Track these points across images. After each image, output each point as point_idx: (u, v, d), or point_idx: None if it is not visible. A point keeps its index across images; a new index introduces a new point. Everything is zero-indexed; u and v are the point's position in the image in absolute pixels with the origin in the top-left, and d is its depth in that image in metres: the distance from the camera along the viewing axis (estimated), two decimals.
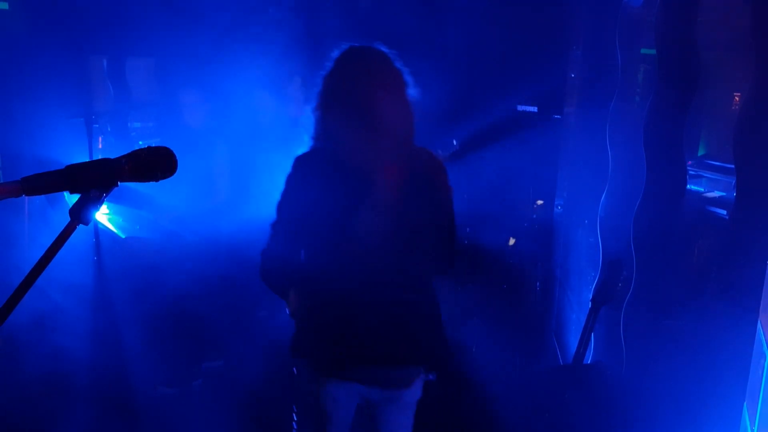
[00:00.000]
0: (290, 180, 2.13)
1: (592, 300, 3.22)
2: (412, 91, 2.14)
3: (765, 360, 1.91)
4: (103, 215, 4.13)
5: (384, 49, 2.14)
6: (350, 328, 2.12)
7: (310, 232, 2.12)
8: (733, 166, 2.57)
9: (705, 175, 3.21)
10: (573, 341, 3.72)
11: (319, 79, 2.14)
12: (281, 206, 2.15)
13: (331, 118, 2.08)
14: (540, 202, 4.41)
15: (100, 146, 4.20)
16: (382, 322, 2.12)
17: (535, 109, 4.42)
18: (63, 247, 1.06)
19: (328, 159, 2.09)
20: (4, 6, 4.03)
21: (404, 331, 2.14)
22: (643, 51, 3.56)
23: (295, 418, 2.57)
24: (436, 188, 2.15)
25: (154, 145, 1.14)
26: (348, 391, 2.21)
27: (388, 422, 2.28)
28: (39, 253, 1.03)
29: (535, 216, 4.44)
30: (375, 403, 2.26)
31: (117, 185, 1.10)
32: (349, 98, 2.06)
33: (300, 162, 2.13)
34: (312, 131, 2.14)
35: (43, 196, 1.18)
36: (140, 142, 4.45)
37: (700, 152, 3.31)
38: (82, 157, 1.18)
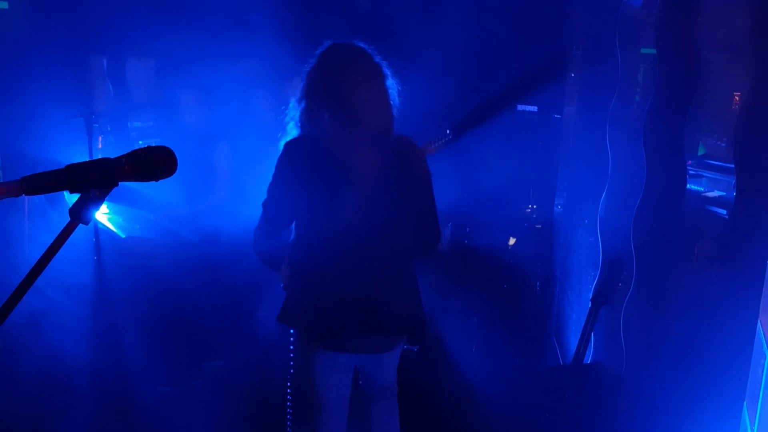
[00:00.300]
0: (280, 163, 2.31)
1: (592, 300, 3.22)
2: (391, 83, 2.33)
3: (765, 360, 1.91)
4: (103, 215, 4.13)
5: (363, 45, 2.33)
6: (338, 302, 2.30)
7: (297, 211, 2.33)
8: (733, 166, 2.57)
9: (705, 175, 3.21)
10: (573, 341, 3.72)
11: (303, 74, 2.34)
12: (272, 187, 2.34)
13: (314, 109, 2.28)
14: (533, 206, 4.43)
15: (100, 146, 4.20)
16: (367, 296, 2.30)
17: (535, 109, 4.42)
18: (63, 247, 1.06)
19: (314, 145, 2.28)
20: (4, 6, 4.03)
21: (387, 304, 2.34)
22: (643, 51, 3.56)
23: (290, 398, 2.68)
24: (415, 171, 2.35)
25: (154, 144, 1.14)
26: (338, 361, 2.40)
27: (376, 380, 2.55)
28: (39, 252, 1.03)
29: (535, 216, 4.45)
30: (362, 366, 2.52)
31: (117, 185, 1.10)
32: (330, 90, 2.26)
33: (289, 147, 2.31)
34: (297, 120, 2.34)
35: (43, 195, 1.18)
36: (140, 142, 4.44)
37: (700, 152, 3.31)
38: (82, 157, 1.18)
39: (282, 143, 2.35)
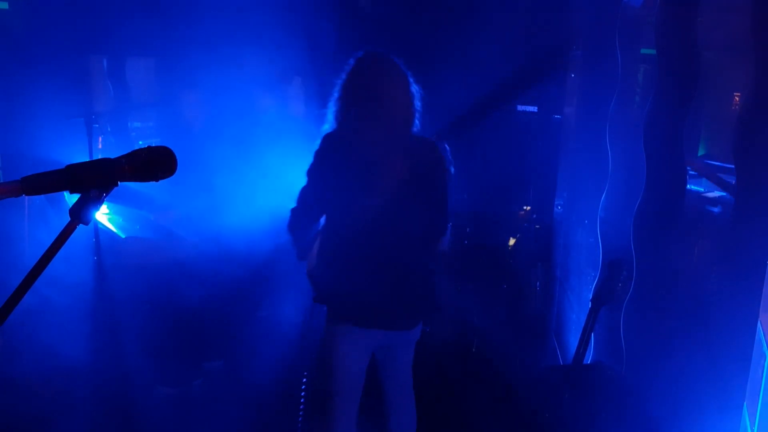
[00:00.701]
0: (318, 153, 2.61)
1: (592, 300, 3.21)
2: (415, 89, 2.65)
3: (765, 360, 1.91)
4: (103, 215, 4.13)
5: (393, 56, 2.66)
6: (365, 283, 2.56)
7: (331, 196, 2.60)
8: (733, 166, 2.57)
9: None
10: (573, 341, 3.72)
11: (342, 75, 2.63)
12: (310, 173, 2.62)
13: (348, 106, 2.59)
14: (527, 208, 4.43)
15: (100, 146, 4.19)
16: (392, 279, 2.59)
17: (535, 109, 4.42)
18: (63, 247, 1.06)
19: (348, 137, 2.58)
20: (4, 6, 4.03)
21: (409, 287, 2.63)
22: (643, 51, 3.56)
23: (306, 379, 2.95)
24: (433, 168, 2.65)
25: (154, 145, 1.14)
26: (363, 337, 2.63)
27: (395, 359, 2.82)
28: (39, 252, 1.03)
29: (535, 216, 4.45)
30: (385, 345, 2.75)
31: (117, 185, 1.10)
32: (362, 89, 2.58)
33: (326, 139, 2.61)
34: (334, 115, 2.63)
35: (43, 196, 1.18)
36: (140, 142, 4.44)
37: (700, 152, 3.31)
38: (82, 157, 1.18)
39: (320, 136, 2.64)
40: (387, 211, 2.55)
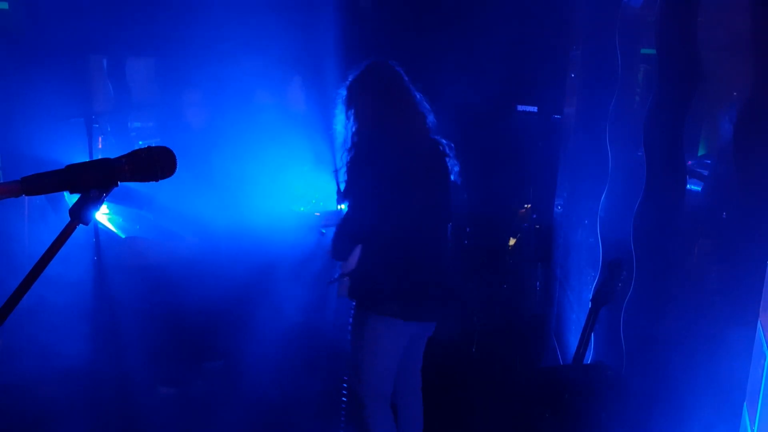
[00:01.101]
0: (363, 161, 2.73)
1: (592, 300, 3.21)
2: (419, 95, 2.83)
3: (765, 360, 1.91)
4: (103, 215, 4.13)
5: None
6: (415, 277, 2.72)
7: (381, 200, 2.72)
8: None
9: (705, 175, 3.20)
10: (573, 341, 3.72)
11: (365, 83, 2.74)
12: (360, 180, 2.74)
13: (387, 115, 2.72)
14: (527, 206, 4.43)
15: (100, 146, 4.19)
16: (432, 271, 2.77)
17: (535, 109, 4.42)
18: (63, 247, 1.06)
19: (391, 143, 2.72)
20: (4, 6, 4.03)
21: (443, 278, 2.81)
22: (643, 51, 3.56)
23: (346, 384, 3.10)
24: (447, 165, 2.84)
25: (154, 145, 1.14)
26: (405, 328, 2.76)
27: (412, 350, 2.94)
28: (39, 252, 1.03)
29: (535, 216, 4.45)
30: (415, 335, 2.88)
31: (117, 185, 1.11)
32: (399, 99, 2.75)
33: (366, 147, 2.73)
34: (363, 123, 2.73)
35: (43, 196, 1.18)
36: (140, 142, 4.44)
37: (700, 152, 3.30)
38: (82, 157, 1.18)
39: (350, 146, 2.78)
40: (430, 208, 2.74)
